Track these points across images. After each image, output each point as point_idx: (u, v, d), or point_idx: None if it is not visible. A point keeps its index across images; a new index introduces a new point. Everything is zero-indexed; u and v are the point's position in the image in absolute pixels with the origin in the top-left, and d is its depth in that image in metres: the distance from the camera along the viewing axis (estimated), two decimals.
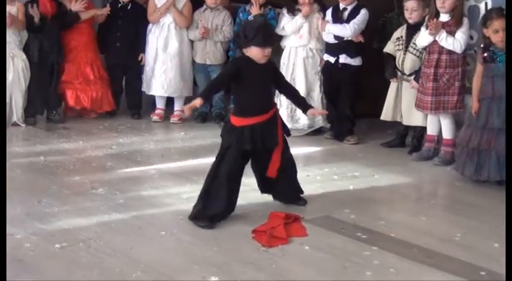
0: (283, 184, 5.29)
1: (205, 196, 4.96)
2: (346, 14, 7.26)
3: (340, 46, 7.28)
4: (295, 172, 5.39)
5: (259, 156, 5.13)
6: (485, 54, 5.93)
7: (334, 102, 7.40)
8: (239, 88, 5.07)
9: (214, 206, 4.90)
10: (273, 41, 5.23)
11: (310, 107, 5.46)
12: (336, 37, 7.28)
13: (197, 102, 4.89)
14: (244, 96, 5.06)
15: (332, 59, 7.35)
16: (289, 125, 7.37)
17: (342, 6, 7.29)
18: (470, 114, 6.10)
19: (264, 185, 5.31)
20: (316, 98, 7.49)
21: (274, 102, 5.33)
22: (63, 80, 7.81)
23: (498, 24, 5.85)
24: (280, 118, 5.24)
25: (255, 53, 4.97)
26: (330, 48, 7.40)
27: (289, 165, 5.30)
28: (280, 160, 5.15)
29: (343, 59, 7.27)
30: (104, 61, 8.14)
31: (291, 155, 5.32)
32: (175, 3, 7.88)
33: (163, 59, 7.92)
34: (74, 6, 7.71)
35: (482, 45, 6.05)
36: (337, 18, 7.27)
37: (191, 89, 8.10)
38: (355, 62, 7.29)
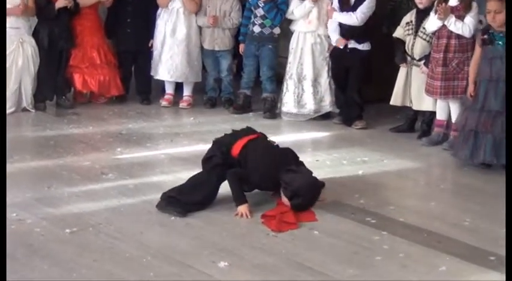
0: None
1: (188, 182, 5.03)
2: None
3: (348, 32, 7.24)
4: None
5: None
6: (485, 37, 5.95)
7: (343, 88, 7.39)
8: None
9: (191, 196, 4.92)
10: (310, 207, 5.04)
11: None
12: (341, 25, 7.25)
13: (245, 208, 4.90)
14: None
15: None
16: (295, 110, 7.48)
17: None
18: (465, 97, 6.10)
19: None
20: (324, 83, 7.46)
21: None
22: (70, 65, 7.79)
23: (489, 5, 5.89)
24: None
25: (284, 201, 4.96)
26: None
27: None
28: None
29: (351, 44, 7.24)
30: (113, 47, 8.12)
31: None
32: None
33: (170, 44, 7.87)
34: (59, 3, 7.49)
35: (481, 28, 6.08)
36: (344, 3, 7.23)
37: (198, 75, 8.07)
38: (364, 47, 7.25)
